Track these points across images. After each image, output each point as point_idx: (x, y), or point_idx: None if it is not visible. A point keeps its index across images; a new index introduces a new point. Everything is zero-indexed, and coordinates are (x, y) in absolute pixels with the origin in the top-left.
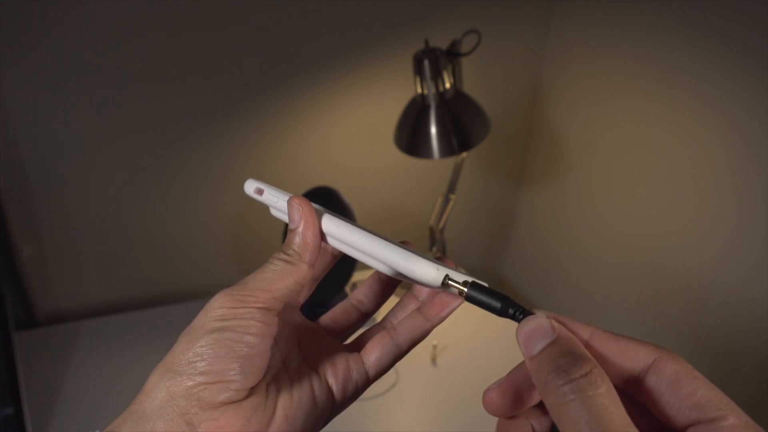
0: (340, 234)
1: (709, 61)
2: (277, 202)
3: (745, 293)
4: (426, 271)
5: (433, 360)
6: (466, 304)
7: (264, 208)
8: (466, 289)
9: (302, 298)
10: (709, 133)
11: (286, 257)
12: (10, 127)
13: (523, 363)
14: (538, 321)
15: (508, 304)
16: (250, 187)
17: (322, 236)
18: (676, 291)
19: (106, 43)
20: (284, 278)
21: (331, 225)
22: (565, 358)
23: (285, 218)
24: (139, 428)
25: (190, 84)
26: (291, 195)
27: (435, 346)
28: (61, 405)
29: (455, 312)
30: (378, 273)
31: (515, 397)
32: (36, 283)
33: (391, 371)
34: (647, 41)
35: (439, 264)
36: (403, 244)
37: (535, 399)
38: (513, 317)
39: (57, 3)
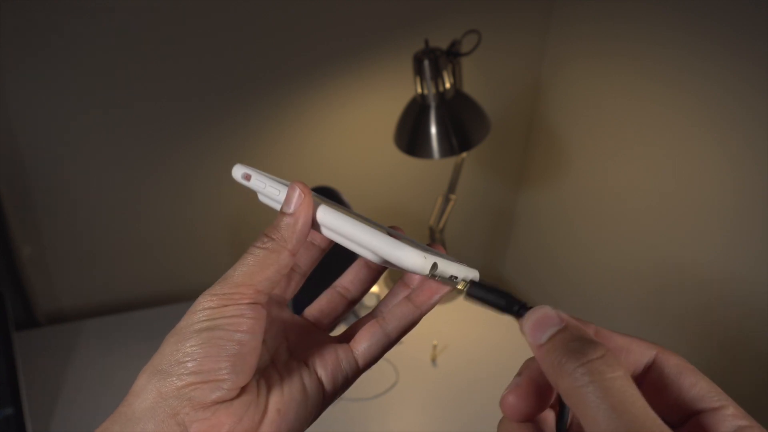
0: (327, 220)
1: (709, 61)
2: (264, 188)
3: (748, 290)
4: (412, 258)
5: (433, 360)
6: (467, 304)
7: (264, 206)
8: (464, 288)
9: (290, 294)
10: (709, 131)
11: (267, 246)
12: (10, 128)
13: (532, 359)
14: (545, 310)
15: (512, 302)
16: (238, 172)
17: (315, 226)
18: (677, 290)
19: (107, 43)
20: (264, 269)
21: (320, 211)
22: (577, 342)
23: (273, 204)
24: (128, 429)
25: (191, 84)
26: (284, 180)
27: (435, 346)
28: (61, 405)
29: (455, 312)
30: (363, 259)
31: (537, 396)
32: (36, 283)
33: (391, 371)
34: (647, 41)
35: (428, 251)
36: (393, 229)
37: (554, 396)
38: (516, 313)
39: (58, 4)
